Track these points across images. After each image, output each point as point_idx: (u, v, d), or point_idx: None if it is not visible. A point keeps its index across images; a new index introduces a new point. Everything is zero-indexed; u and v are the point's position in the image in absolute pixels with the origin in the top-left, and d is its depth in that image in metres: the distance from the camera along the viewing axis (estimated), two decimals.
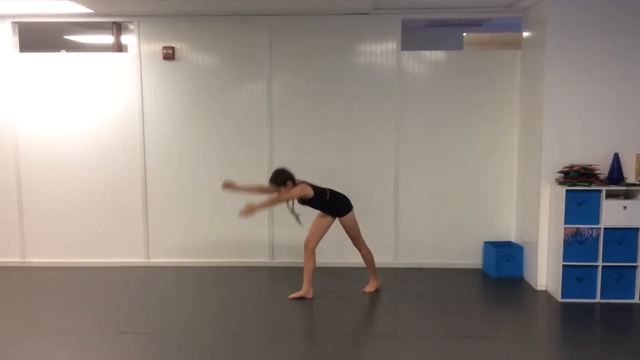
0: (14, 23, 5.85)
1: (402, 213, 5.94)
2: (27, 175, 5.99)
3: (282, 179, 4.73)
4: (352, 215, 4.94)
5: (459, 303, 4.95)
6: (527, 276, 5.52)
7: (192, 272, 5.80)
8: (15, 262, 6.08)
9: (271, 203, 4.80)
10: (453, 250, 5.95)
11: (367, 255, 5.09)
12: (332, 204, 4.88)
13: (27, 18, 5.80)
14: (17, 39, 5.92)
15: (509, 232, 5.90)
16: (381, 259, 5.94)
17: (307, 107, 5.86)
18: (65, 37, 7.84)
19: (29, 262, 6.08)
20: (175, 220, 6.02)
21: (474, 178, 5.88)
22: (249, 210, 4.57)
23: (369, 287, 5.15)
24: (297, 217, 4.89)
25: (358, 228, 4.99)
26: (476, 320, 4.56)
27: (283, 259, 5.98)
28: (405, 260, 5.98)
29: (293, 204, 4.91)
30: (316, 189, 4.82)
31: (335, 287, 5.34)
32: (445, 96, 5.81)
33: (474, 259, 5.94)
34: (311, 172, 5.88)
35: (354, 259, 5.93)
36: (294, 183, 4.76)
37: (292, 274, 5.59)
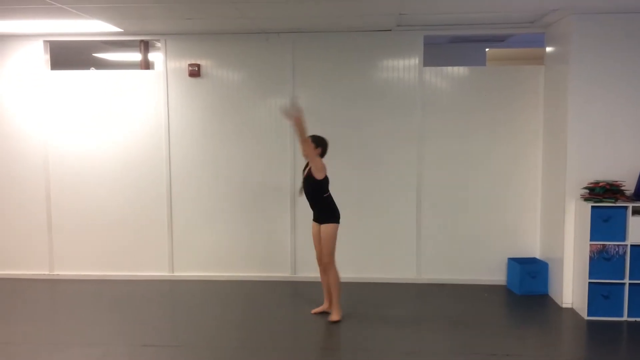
0: (45, 42, 6.03)
1: (425, 229, 5.92)
2: (56, 189, 6.13)
3: (319, 140, 4.76)
4: (335, 228, 4.78)
5: (483, 320, 4.91)
6: (552, 293, 5.45)
7: (215, 286, 5.85)
8: (44, 274, 6.20)
9: (303, 134, 4.58)
10: (476, 266, 5.90)
11: (335, 277, 4.82)
12: (327, 205, 4.80)
13: (58, 37, 5.98)
14: (48, 57, 6.10)
15: (534, 248, 5.83)
16: (403, 275, 5.94)
17: (329, 122, 5.89)
18: (95, 54, 8.05)
19: (57, 274, 6.20)
20: (199, 234, 6.10)
21: (497, 194, 5.84)
22: (296, 114, 4.50)
23: (335, 315, 4.81)
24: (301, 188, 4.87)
25: (334, 244, 4.79)
26: (501, 338, 4.51)
27: (305, 274, 6.00)
28: (428, 276, 5.95)
29: (303, 174, 4.88)
30: (327, 179, 4.79)
31: (355, 303, 5.33)
32: (467, 111, 5.81)
33: (497, 276, 5.89)
34: (333, 187, 5.91)
35: (373, 273, 5.95)
36: (322, 154, 4.78)
37: (314, 288, 5.60)
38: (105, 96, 6.04)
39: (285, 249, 6.01)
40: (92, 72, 6.21)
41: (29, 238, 6.18)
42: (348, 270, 5.91)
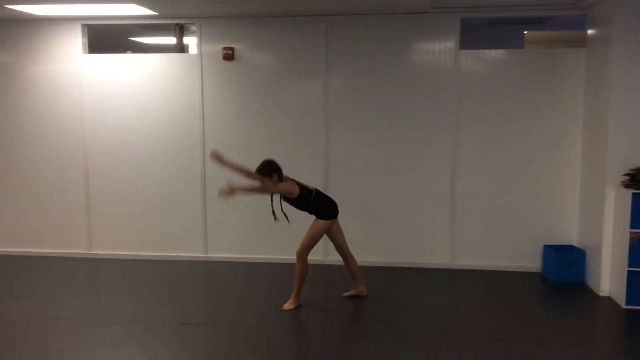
0: (83, 25, 6.12)
1: (459, 213, 5.87)
2: (94, 171, 6.27)
3: (267, 169, 4.48)
4: (328, 225, 4.70)
5: (518, 307, 4.86)
6: (590, 281, 5.36)
7: (248, 267, 5.92)
8: (83, 253, 6.37)
9: (254, 190, 4.54)
10: (511, 252, 5.83)
11: (303, 269, 4.72)
12: (316, 206, 4.68)
13: (95, 20, 6.06)
14: (86, 40, 6.19)
15: (571, 235, 5.73)
16: (436, 260, 5.91)
17: (363, 105, 5.88)
18: (130, 38, 8.14)
19: (95, 253, 6.37)
20: (232, 216, 6.16)
21: (534, 179, 5.74)
22: (230, 191, 4.37)
23: (289, 305, 4.74)
24: (285, 215, 4.69)
25: (318, 240, 4.73)
26: (536, 325, 4.46)
27: (338, 257, 6.01)
28: (462, 262, 5.91)
29: (281, 201, 4.70)
30: (302, 188, 4.62)
31: (386, 287, 5.34)
32: (504, 95, 5.70)
33: (532, 263, 5.81)
34: (366, 170, 5.91)
35: (404, 258, 5.94)
36: (280, 178, 4.52)
37: (345, 272, 5.61)
38: (141, 79, 6.12)
39: None
40: (128, 56, 6.29)
41: (69, 218, 6.35)
42: (378, 254, 5.95)
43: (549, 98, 5.64)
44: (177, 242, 6.26)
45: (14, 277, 5.75)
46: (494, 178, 5.79)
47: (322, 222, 4.70)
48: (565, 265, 5.43)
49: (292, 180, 4.64)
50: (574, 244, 5.71)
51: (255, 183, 4.57)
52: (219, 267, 6.02)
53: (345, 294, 5.02)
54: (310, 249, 4.74)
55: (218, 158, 4.73)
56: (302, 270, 4.72)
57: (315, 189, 4.77)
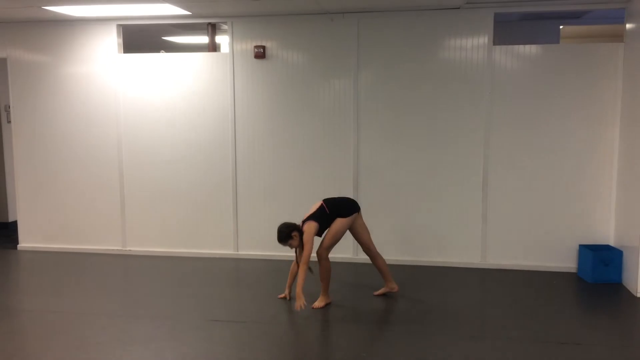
0: (118, 25, 6.24)
1: (491, 212, 5.78)
2: (129, 169, 6.39)
3: (286, 234, 4.58)
4: (347, 222, 4.72)
5: (553, 307, 4.76)
6: (627, 282, 5.21)
7: (278, 265, 5.94)
8: (117, 249, 6.51)
9: (304, 266, 4.51)
10: (545, 252, 5.72)
11: (327, 268, 4.72)
12: (335, 212, 4.70)
13: (130, 21, 6.17)
14: (121, 40, 6.31)
15: (607, 235, 5.59)
16: (468, 259, 5.84)
17: (394, 103, 5.84)
18: (164, 37, 8.26)
19: (129, 250, 6.49)
20: (263, 214, 6.20)
21: (570, 178, 5.62)
22: (299, 299, 4.39)
23: (319, 302, 4.75)
24: (310, 268, 4.63)
25: (339, 239, 4.74)
26: (571, 326, 4.37)
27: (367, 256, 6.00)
28: (494, 261, 5.82)
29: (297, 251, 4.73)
30: (316, 215, 4.65)
31: (416, 286, 5.29)
32: (539, 91, 5.59)
33: (568, 263, 5.69)
34: (397, 168, 5.87)
35: (435, 257, 5.88)
36: (299, 230, 4.61)
37: (375, 270, 5.59)
38: (174, 78, 6.20)
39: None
40: (162, 55, 6.38)
41: (104, 215, 6.49)
42: (408, 253, 5.91)
43: (585, 94, 5.51)
44: (209, 239, 6.33)
45: (50, 273, 5.91)
46: (528, 176, 5.68)
47: (341, 220, 4.70)
48: (602, 265, 5.29)
49: (305, 221, 4.67)
50: (611, 244, 5.56)
51: (298, 261, 4.66)
52: (250, 264, 6.07)
53: (376, 293, 5.00)
54: (331, 248, 4.73)
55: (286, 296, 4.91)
56: (326, 269, 4.73)
57: (322, 201, 4.77)
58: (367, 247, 4.92)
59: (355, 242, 5.88)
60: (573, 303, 5.05)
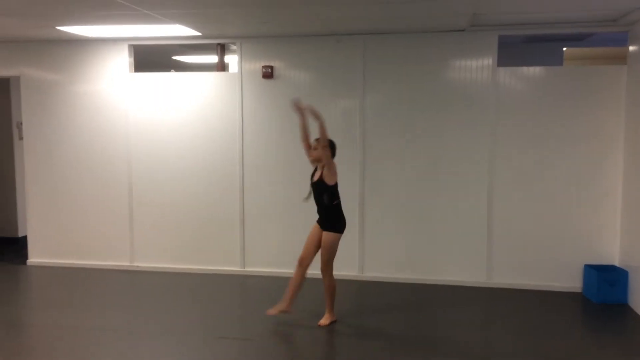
0: (130, 45, 6.37)
1: (496, 231, 5.81)
2: (137, 186, 6.47)
3: (331, 142, 4.64)
4: (338, 237, 4.65)
5: (558, 328, 4.77)
6: (632, 303, 5.22)
7: (285, 282, 5.95)
8: (125, 265, 6.56)
9: (322, 129, 4.51)
10: (551, 272, 5.74)
11: (331, 285, 4.72)
12: (335, 212, 4.66)
13: (142, 41, 6.30)
14: (132, 59, 6.44)
15: (612, 255, 5.61)
16: (473, 278, 5.86)
17: (400, 123, 5.92)
18: (174, 57, 8.40)
19: (137, 266, 6.55)
20: (270, 231, 6.26)
21: (574, 197, 5.66)
22: (302, 106, 4.55)
23: (324, 320, 4.75)
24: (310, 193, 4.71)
25: (335, 252, 4.67)
26: (577, 347, 4.38)
27: (374, 273, 6.04)
28: (498, 280, 5.84)
29: (311, 187, 4.72)
30: (337, 185, 4.65)
31: (422, 304, 5.31)
32: (543, 112, 5.66)
33: (573, 282, 5.70)
34: (402, 188, 5.93)
35: (440, 275, 5.90)
36: (333, 155, 4.65)
37: (381, 288, 5.63)
38: (184, 97, 6.31)
39: (354, 247, 6.06)
40: (172, 74, 6.50)
41: (113, 231, 6.55)
42: (413, 271, 5.94)
43: (589, 116, 5.58)
44: (216, 256, 6.38)
45: (58, 288, 5.96)
46: (533, 196, 5.73)
47: (332, 234, 4.65)
48: (607, 285, 5.31)
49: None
50: (616, 264, 5.58)
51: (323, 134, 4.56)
52: (257, 281, 6.11)
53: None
54: (331, 263, 4.71)
55: (298, 107, 4.70)
56: (330, 285, 4.74)
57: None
58: (306, 259, 4.77)
59: (361, 259, 5.93)
60: (578, 324, 5.06)
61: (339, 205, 4.70)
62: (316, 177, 4.70)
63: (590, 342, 4.54)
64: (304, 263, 4.75)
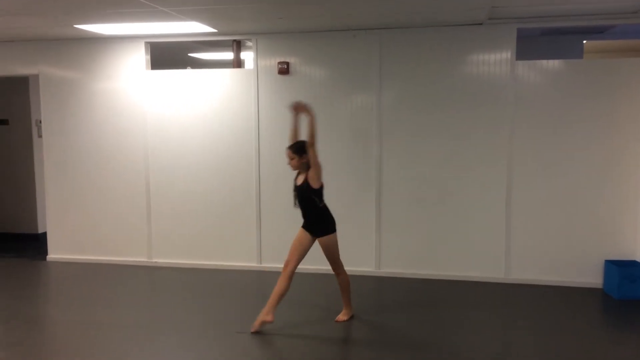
0: (146, 43, 6.41)
1: (515, 226, 5.75)
2: (155, 182, 6.51)
3: (302, 146, 4.49)
4: (334, 237, 4.58)
5: (578, 324, 4.72)
6: None
7: (302, 278, 5.96)
8: (143, 261, 6.62)
9: (312, 132, 4.43)
10: (570, 267, 5.67)
11: (344, 281, 4.71)
12: (322, 215, 4.55)
13: (158, 38, 6.33)
14: (149, 57, 6.47)
15: (634, 250, 5.52)
16: (491, 274, 5.81)
17: (417, 118, 5.88)
18: (190, 54, 8.43)
19: (155, 262, 6.60)
20: (286, 227, 6.24)
21: (595, 192, 5.58)
22: (301, 107, 4.50)
23: (342, 316, 4.77)
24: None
25: (338, 251, 4.63)
26: (597, 344, 4.33)
27: (388, 269, 6.02)
28: (517, 276, 5.78)
29: (295, 187, 4.61)
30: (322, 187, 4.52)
31: (438, 301, 5.29)
32: (563, 106, 5.58)
33: (593, 278, 5.63)
34: (420, 183, 5.89)
35: (458, 271, 5.86)
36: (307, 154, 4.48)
37: (398, 284, 5.61)
38: (200, 94, 6.34)
39: (371, 242, 6.05)
40: (188, 71, 6.53)
41: (131, 227, 6.61)
42: (430, 267, 5.90)
43: (609, 109, 5.49)
44: (233, 252, 6.41)
45: (78, 284, 6.03)
46: (552, 191, 5.66)
47: (327, 238, 4.57)
48: (628, 281, 5.23)
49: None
50: (637, 259, 5.50)
51: (312, 132, 4.48)
52: (273, 277, 6.07)
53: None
54: (339, 260, 4.67)
55: (299, 108, 4.61)
56: (344, 280, 4.73)
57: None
58: (293, 263, 4.63)
59: (378, 255, 5.92)
60: (599, 320, 4.99)
61: (325, 206, 4.62)
62: (300, 181, 4.58)
63: (611, 339, 4.47)
64: (288, 266, 4.59)
